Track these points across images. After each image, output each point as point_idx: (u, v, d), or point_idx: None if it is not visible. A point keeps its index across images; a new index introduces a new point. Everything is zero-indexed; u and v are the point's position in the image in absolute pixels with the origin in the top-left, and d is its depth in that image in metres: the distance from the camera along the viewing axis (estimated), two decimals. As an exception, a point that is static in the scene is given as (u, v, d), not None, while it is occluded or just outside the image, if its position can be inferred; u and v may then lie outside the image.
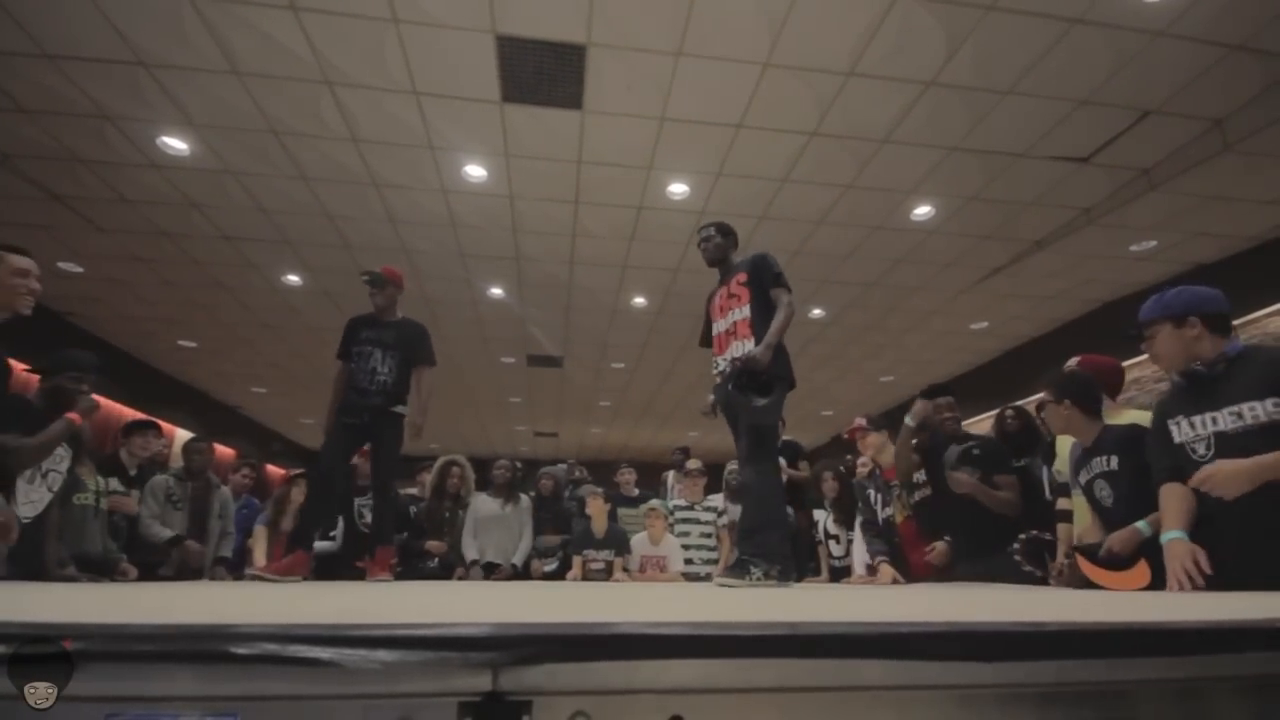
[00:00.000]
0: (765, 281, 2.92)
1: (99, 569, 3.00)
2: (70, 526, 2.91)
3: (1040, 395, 2.71)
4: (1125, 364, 2.64)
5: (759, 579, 2.49)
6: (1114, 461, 2.37)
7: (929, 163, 4.87)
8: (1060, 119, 4.35)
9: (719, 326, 3.08)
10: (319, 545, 4.30)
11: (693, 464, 5.15)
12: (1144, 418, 2.44)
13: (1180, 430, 2.04)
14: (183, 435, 9.89)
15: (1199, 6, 3.47)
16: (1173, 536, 1.91)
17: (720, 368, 3.02)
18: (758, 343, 2.79)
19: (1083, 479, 2.51)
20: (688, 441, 13.70)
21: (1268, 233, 5.54)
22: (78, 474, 2.97)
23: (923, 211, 5.52)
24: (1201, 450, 1.98)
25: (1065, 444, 2.90)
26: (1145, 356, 2.37)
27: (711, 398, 3.08)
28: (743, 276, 3.00)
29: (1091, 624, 0.79)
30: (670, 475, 6.21)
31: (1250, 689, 0.79)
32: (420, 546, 4.49)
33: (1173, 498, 2.00)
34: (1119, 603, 1.42)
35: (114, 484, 3.63)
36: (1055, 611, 1.01)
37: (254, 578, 3.21)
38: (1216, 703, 0.79)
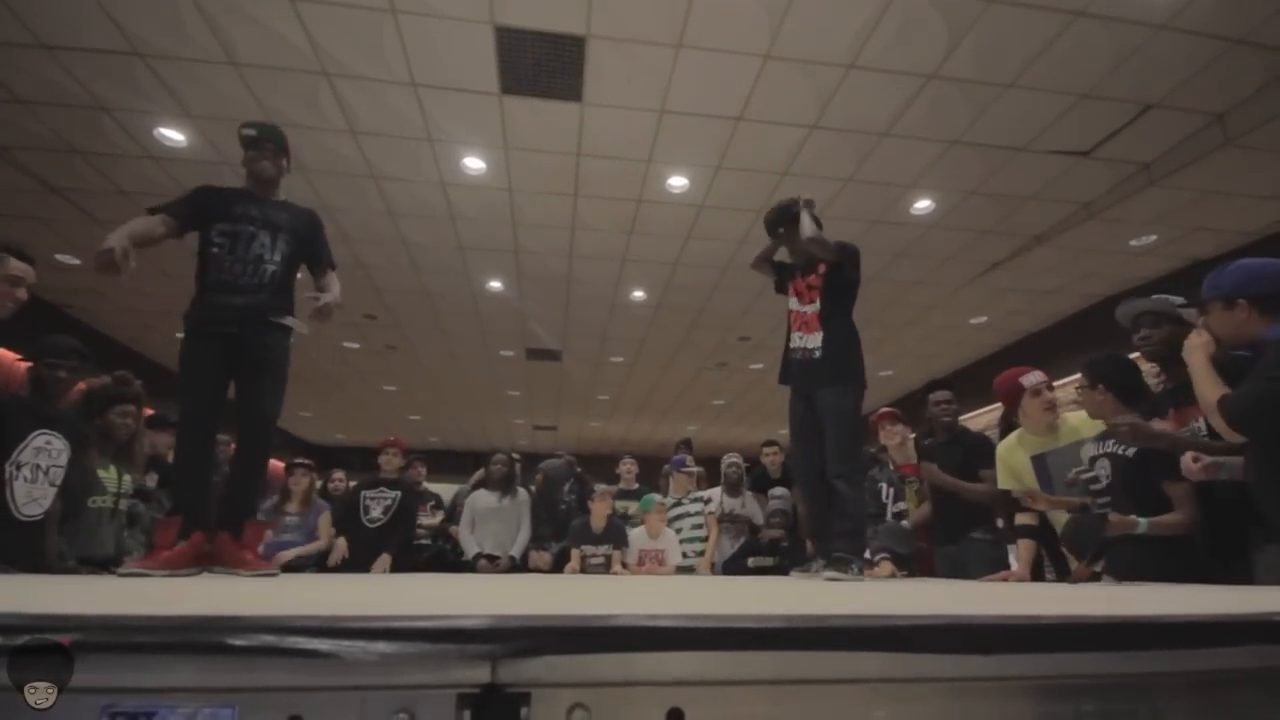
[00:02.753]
0: (846, 272, 2.99)
1: (100, 564, 2.97)
2: (83, 530, 2.84)
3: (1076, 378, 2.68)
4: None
5: (857, 573, 2.68)
6: (1131, 449, 2.33)
7: (929, 156, 4.86)
8: (1061, 113, 4.33)
9: (794, 304, 3.10)
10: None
11: (691, 464, 5.15)
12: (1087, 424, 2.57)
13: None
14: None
15: (1200, 1, 3.45)
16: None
17: (793, 347, 3.05)
18: (826, 338, 2.90)
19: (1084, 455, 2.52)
20: (688, 434, 13.72)
21: (1268, 228, 5.53)
22: (97, 475, 2.91)
23: (923, 205, 5.51)
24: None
25: (1011, 452, 2.92)
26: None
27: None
28: (823, 268, 3.02)
29: (1090, 617, 0.79)
30: (626, 466, 5.69)
31: (1250, 681, 0.79)
32: (411, 536, 4.55)
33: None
34: (1117, 596, 1.43)
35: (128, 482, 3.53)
36: (1053, 605, 1.01)
37: (129, 575, 2.11)
38: (1216, 696, 0.79)
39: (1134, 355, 2.50)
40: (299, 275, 2.64)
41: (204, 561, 2.34)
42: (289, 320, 2.53)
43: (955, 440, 3.46)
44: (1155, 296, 2.38)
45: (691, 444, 6.21)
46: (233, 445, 2.63)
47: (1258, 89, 4.06)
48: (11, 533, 2.37)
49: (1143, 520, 2.18)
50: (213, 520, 2.39)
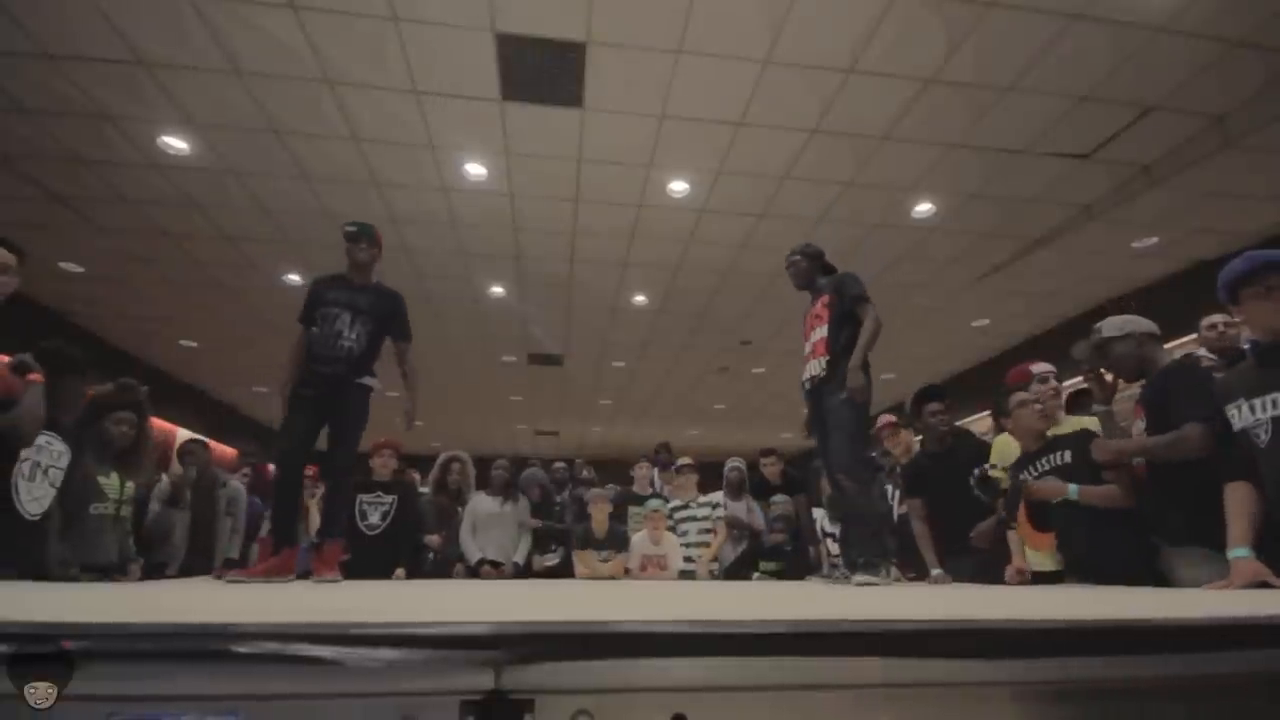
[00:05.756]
0: (845, 302, 3.08)
1: (103, 570, 2.97)
2: (85, 537, 2.82)
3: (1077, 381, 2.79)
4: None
5: (887, 576, 2.77)
6: (1067, 456, 2.54)
7: (929, 160, 4.86)
8: (1061, 115, 4.34)
9: (807, 347, 3.25)
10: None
11: (683, 461, 5.14)
12: (1091, 423, 2.65)
13: (1240, 415, 1.86)
14: (184, 435, 9.92)
15: (1200, 2, 3.46)
16: (1238, 555, 1.77)
17: (803, 381, 3.21)
18: (831, 360, 3.02)
19: (1026, 477, 2.66)
20: (689, 439, 13.72)
21: (1269, 229, 5.53)
22: (97, 482, 2.90)
23: (923, 209, 5.52)
24: (1262, 436, 1.80)
25: (1007, 446, 3.00)
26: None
27: (805, 413, 3.29)
28: (826, 298, 3.16)
29: (1094, 621, 0.78)
30: (642, 469, 5.49)
31: (1255, 685, 0.78)
32: (419, 540, 4.49)
33: (1236, 502, 1.83)
34: (1120, 600, 1.42)
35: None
36: (1056, 609, 1.00)
37: (235, 582, 2.78)
38: (1218, 700, 0.78)
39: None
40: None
41: (291, 571, 2.93)
42: (367, 380, 3.10)
43: (952, 451, 3.35)
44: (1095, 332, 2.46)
45: (670, 447, 6.25)
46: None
47: (1258, 90, 4.06)
48: (15, 531, 2.37)
49: (1073, 486, 2.40)
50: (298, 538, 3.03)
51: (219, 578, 3.39)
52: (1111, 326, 2.39)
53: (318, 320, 3.11)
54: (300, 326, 3.23)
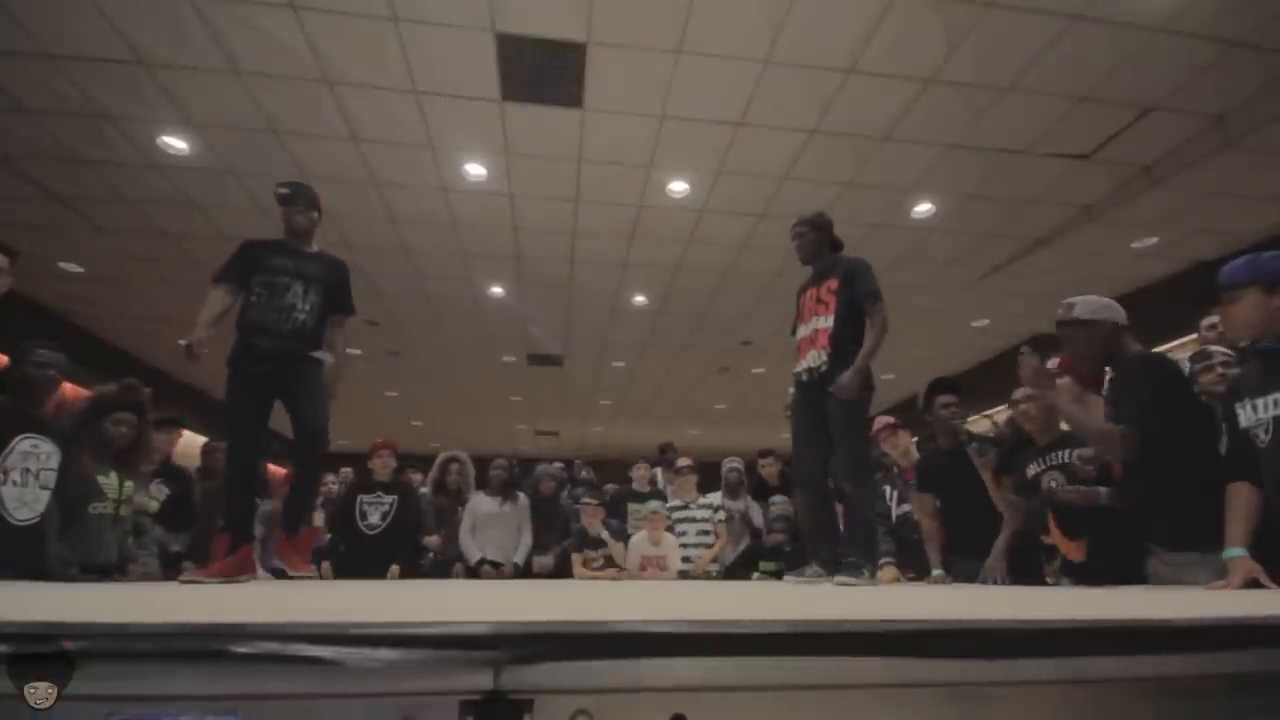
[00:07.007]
0: (858, 294, 2.89)
1: (103, 570, 2.96)
2: (85, 537, 2.82)
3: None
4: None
5: (868, 579, 2.71)
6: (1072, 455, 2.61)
7: (929, 160, 4.86)
8: (1061, 116, 4.34)
9: (804, 330, 3.07)
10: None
11: (683, 462, 5.14)
12: None
13: (1245, 414, 1.86)
14: (187, 437, 9.90)
15: (1199, 3, 3.46)
16: (1233, 555, 1.77)
17: (798, 370, 3.04)
18: (833, 354, 2.86)
19: (1030, 472, 2.74)
20: (690, 439, 13.71)
21: (1269, 229, 5.53)
22: (96, 481, 2.89)
23: (923, 209, 5.52)
24: (1262, 436, 1.81)
25: None
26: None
27: (791, 391, 3.12)
28: (834, 283, 2.95)
29: (1094, 620, 0.78)
30: (640, 470, 5.49)
31: (1256, 685, 0.78)
32: (418, 541, 4.49)
33: (1237, 503, 1.83)
34: (1120, 599, 1.42)
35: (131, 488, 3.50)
36: (1056, 609, 1.00)
37: (189, 582, 2.48)
38: (1218, 699, 0.78)
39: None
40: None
41: (253, 570, 2.72)
42: (319, 354, 2.91)
43: (961, 448, 3.25)
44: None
45: (675, 447, 6.24)
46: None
47: (1257, 91, 4.06)
48: (6, 537, 2.37)
49: (1103, 489, 2.45)
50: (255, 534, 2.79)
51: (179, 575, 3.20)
52: (1085, 311, 2.35)
53: (257, 288, 2.85)
54: (214, 287, 2.90)
